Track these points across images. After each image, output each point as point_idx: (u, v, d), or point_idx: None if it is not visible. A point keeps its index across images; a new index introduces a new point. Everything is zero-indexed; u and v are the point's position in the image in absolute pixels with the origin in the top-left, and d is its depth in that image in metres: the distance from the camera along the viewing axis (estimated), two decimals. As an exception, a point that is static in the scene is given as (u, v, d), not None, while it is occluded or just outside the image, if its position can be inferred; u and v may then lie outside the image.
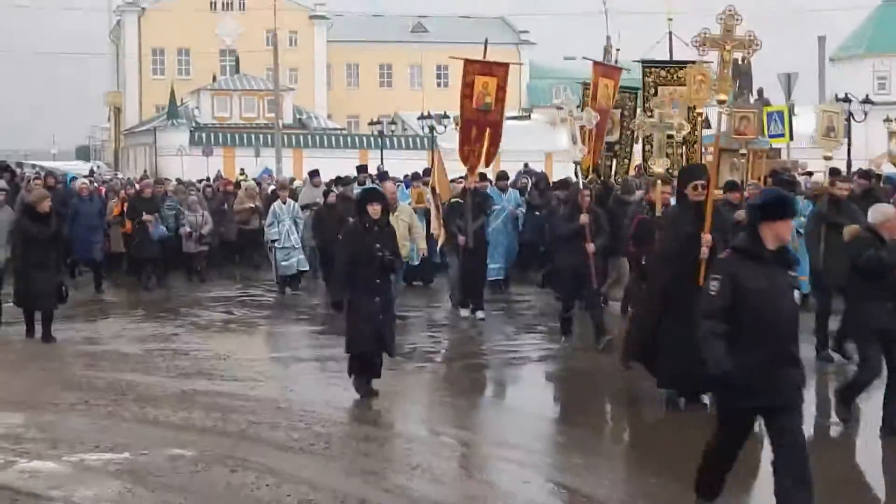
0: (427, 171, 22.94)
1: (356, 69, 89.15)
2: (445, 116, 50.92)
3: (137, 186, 24.37)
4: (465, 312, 17.15)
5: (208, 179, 33.18)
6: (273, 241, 20.65)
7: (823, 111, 17.68)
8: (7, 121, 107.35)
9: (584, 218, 14.27)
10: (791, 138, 25.73)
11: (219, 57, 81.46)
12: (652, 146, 15.59)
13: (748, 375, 7.12)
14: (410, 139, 64.93)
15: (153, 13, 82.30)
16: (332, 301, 11.50)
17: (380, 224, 11.37)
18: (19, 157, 66.76)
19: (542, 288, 19.69)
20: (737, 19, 11.14)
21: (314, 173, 23.71)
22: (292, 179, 31.83)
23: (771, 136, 24.94)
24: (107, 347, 14.97)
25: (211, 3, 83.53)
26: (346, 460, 9.31)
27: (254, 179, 34.25)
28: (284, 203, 21.03)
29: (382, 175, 25.24)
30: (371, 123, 58.85)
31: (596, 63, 19.34)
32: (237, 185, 27.95)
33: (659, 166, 12.98)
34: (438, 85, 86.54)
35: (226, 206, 24.45)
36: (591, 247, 14.26)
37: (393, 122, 64.75)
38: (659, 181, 12.78)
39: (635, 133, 17.87)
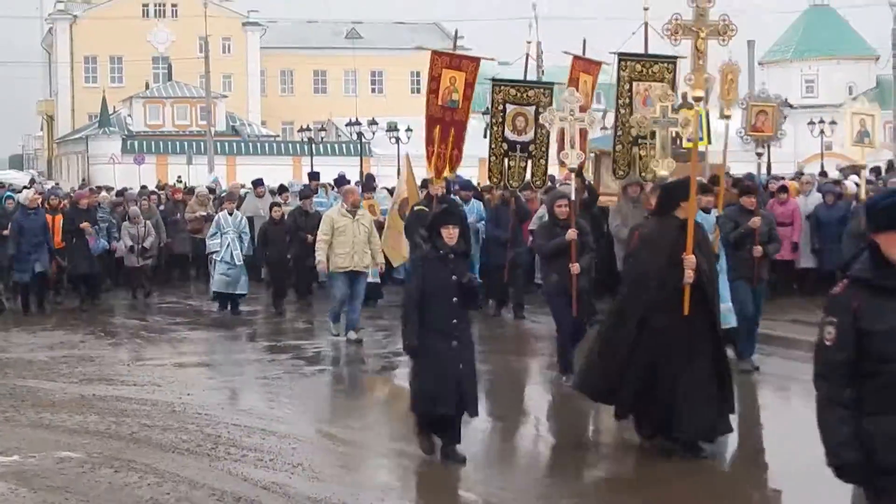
0: (370, 180, 22.90)
1: (290, 75, 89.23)
2: (374, 122, 51.23)
3: (73, 196, 22.44)
4: None
5: (144, 188, 31.71)
6: (212, 253, 19.15)
7: (854, 114, 16.37)
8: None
9: (571, 233, 12.24)
10: (710, 142, 26.32)
11: (151, 64, 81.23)
12: (644, 148, 15.28)
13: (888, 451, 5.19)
14: (343, 145, 65.31)
15: (85, 21, 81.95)
16: (406, 345, 9.35)
17: (456, 251, 9.29)
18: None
19: None
20: (710, 1, 10.15)
21: (258, 182, 22.74)
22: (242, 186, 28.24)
23: (689, 140, 25.51)
24: (12, 356, 15.12)
25: (143, 10, 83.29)
26: (231, 460, 9.59)
27: (207, 187, 31.21)
28: (231, 214, 19.35)
29: (341, 179, 23.15)
30: (301, 130, 59.01)
31: (576, 57, 18.36)
32: (190, 191, 26.68)
33: (664, 168, 11.41)
34: (373, 91, 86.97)
35: (178, 216, 23.31)
36: (575, 267, 12.24)
37: (322, 129, 64.79)
38: None
39: (626, 131, 16.17)
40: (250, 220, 20.65)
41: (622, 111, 16.09)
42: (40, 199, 20.16)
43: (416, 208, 16.00)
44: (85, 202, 20.50)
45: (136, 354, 15.10)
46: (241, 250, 18.89)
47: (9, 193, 22.32)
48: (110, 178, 51.63)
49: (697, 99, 10.59)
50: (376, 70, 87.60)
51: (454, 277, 9.12)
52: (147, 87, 76.25)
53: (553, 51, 62.68)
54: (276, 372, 14.04)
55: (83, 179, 56.26)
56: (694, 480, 9.06)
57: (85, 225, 19.47)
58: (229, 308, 18.87)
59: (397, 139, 50.11)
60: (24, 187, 34.05)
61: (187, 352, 15.85)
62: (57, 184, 50.50)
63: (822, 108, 75.47)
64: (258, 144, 69.55)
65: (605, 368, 9.74)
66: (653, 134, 13.92)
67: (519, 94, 16.98)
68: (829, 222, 18.50)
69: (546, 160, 18.34)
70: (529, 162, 17.25)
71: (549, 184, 19.07)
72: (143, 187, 31.99)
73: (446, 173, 16.67)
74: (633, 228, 11.44)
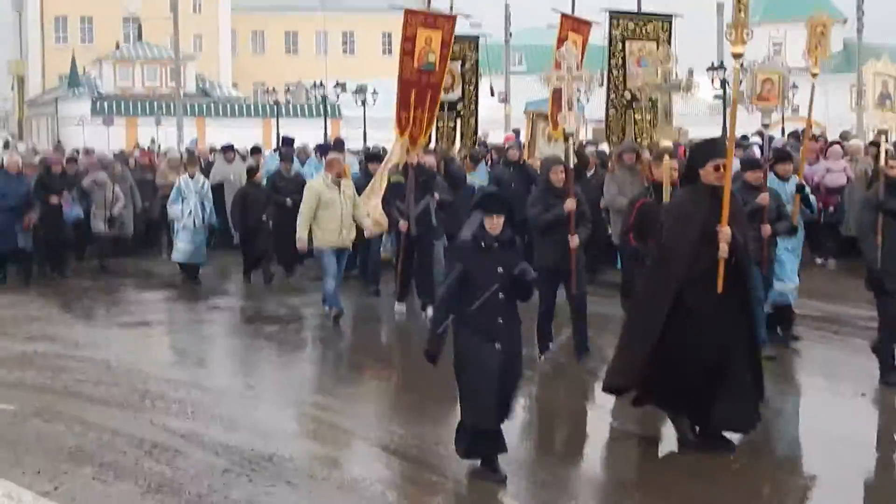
0: (338, 143, 21.83)
1: (262, 36, 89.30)
2: (338, 85, 51.75)
3: (46, 160, 20.47)
4: (399, 307, 15.09)
5: (121, 151, 30.65)
6: (174, 221, 18.30)
7: (876, 74, 15.16)
8: None
9: (570, 203, 11.56)
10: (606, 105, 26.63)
11: (122, 24, 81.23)
12: (639, 112, 14.19)
13: None
14: (313, 107, 65.67)
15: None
16: (426, 350, 8.26)
17: (501, 240, 8.14)
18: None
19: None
20: None
21: (228, 148, 21.90)
22: (212, 149, 27.35)
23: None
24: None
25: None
26: (155, 412, 10.29)
27: (187, 149, 30.23)
28: (192, 178, 18.39)
29: (338, 143, 21.70)
30: (267, 92, 59.44)
31: (565, 16, 17.10)
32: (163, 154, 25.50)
33: (667, 137, 11.03)
34: (344, 52, 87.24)
35: (151, 178, 22.11)
36: (574, 240, 11.59)
37: (288, 91, 65.01)
38: (667, 156, 10.40)
39: (620, 94, 15.28)
40: (220, 185, 20.35)
41: (615, 72, 15.21)
42: (21, 163, 18.46)
43: (392, 179, 15.18)
44: (58, 167, 19.28)
45: (83, 314, 15.71)
46: (204, 218, 18.20)
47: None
48: (80, 139, 51.93)
49: (737, 56, 9.29)
50: (347, 31, 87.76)
51: (500, 269, 8.06)
52: (117, 47, 76.34)
53: (526, 10, 63.05)
54: (215, 331, 14.82)
55: (58, 141, 56.33)
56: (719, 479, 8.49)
57: (53, 198, 18.17)
58: (192, 277, 18.20)
59: (363, 102, 50.55)
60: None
61: (135, 312, 16.22)
62: (34, 146, 50.54)
63: (790, 70, 76.18)
64: (228, 106, 69.81)
65: (633, 355, 8.95)
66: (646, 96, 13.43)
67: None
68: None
69: (476, 119, 17.77)
70: (458, 122, 16.50)
71: (480, 146, 19.23)
72: (121, 152, 30.73)
73: (422, 140, 15.59)
74: (633, 200, 11.03)
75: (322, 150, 21.39)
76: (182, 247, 18.04)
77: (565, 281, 11.82)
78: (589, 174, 17.12)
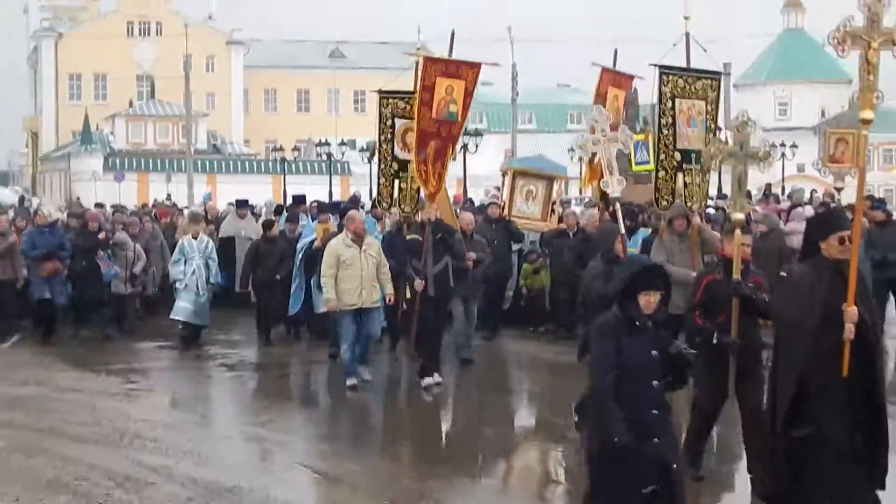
0: (337, 206, 22.00)
1: (274, 94, 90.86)
2: (343, 143, 52.83)
3: (83, 216, 20.26)
4: (428, 381, 13.99)
5: (130, 206, 31.30)
6: (176, 281, 17.70)
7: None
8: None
9: None
10: (656, 167, 27.61)
11: (136, 82, 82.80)
12: (689, 175, 13.31)
13: None
14: (323, 164, 66.79)
15: (70, 38, 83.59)
16: (617, 440, 6.87)
17: (655, 319, 7.20)
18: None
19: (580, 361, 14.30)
20: (884, 2, 8.15)
21: (242, 203, 21.36)
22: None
23: (637, 164, 26.91)
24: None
25: (128, 29, 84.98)
26: (131, 448, 11.07)
27: (196, 208, 29.35)
28: (195, 238, 17.87)
29: (354, 199, 20.77)
30: (275, 150, 60.58)
31: (605, 70, 16.67)
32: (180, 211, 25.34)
33: (739, 210, 9.78)
34: (356, 110, 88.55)
35: (171, 234, 21.40)
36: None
37: (296, 150, 65.89)
38: (738, 230, 9.62)
39: (670, 155, 14.04)
40: (230, 240, 20.17)
41: (664, 132, 14.09)
42: (57, 216, 18.40)
43: (408, 238, 14.64)
44: (94, 224, 18.85)
45: (74, 361, 16.43)
46: (208, 278, 17.68)
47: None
48: (92, 195, 53.05)
49: (866, 122, 8.31)
50: (359, 89, 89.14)
51: (654, 353, 7.07)
52: (130, 105, 77.81)
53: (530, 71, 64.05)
54: (198, 378, 15.57)
55: (77, 198, 57.12)
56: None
57: (101, 257, 18.15)
58: (195, 338, 17.60)
59: (369, 159, 51.58)
60: (12, 206, 35.02)
61: (126, 360, 16.76)
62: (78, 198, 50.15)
63: (794, 129, 77.32)
64: (238, 163, 71.08)
65: (774, 452, 8.07)
66: (697, 158, 12.87)
67: (409, 108, 15.20)
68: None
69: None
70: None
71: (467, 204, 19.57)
72: (142, 206, 31.18)
73: (439, 195, 14.99)
74: (700, 275, 10.19)
75: (321, 208, 19.84)
76: (183, 305, 17.47)
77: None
78: (571, 234, 17.62)
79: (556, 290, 17.95)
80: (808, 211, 19.56)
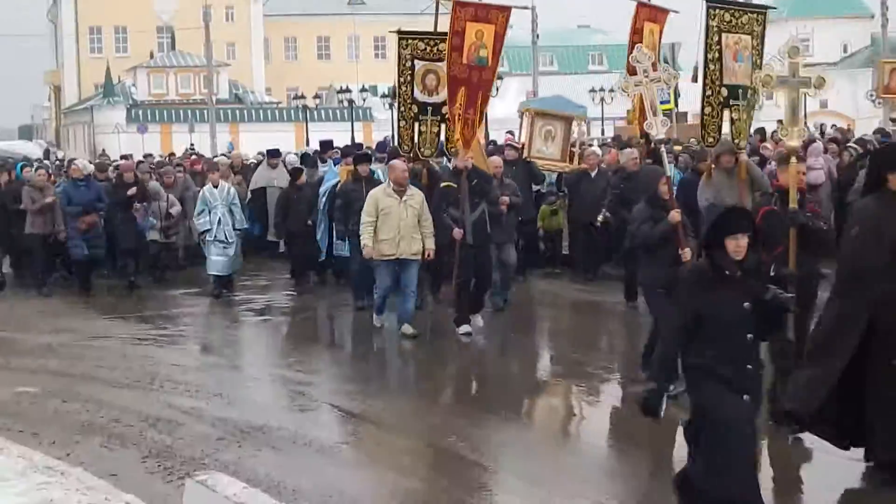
0: (359, 147, 22.00)
1: (294, 42, 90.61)
2: (364, 89, 52.69)
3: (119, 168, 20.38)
4: (465, 328, 13.75)
5: (156, 156, 32.11)
6: (204, 233, 17.60)
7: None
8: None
9: (675, 214, 10.65)
10: (676, 105, 27.58)
11: (156, 34, 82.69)
12: (737, 111, 12.86)
13: None
14: (345, 111, 66.77)
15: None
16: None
17: (746, 267, 6.73)
18: (-38, 139, 68.00)
19: (628, 304, 15.07)
20: None
21: (274, 152, 21.25)
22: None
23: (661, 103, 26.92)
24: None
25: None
26: (162, 392, 11.37)
27: (223, 155, 29.28)
28: (216, 187, 17.77)
29: (393, 152, 18.15)
30: (297, 98, 60.57)
31: (640, 4, 15.92)
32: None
33: (795, 138, 9.55)
34: (376, 56, 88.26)
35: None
36: (687, 253, 10.45)
37: (317, 97, 65.68)
38: (794, 159, 9.41)
39: (717, 90, 13.15)
40: (262, 190, 20.20)
41: (711, 66, 13.41)
42: (92, 169, 18.98)
43: (442, 185, 14.15)
44: (130, 175, 18.83)
45: (104, 310, 16.73)
46: (234, 224, 17.70)
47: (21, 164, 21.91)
48: (115, 147, 53.33)
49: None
50: (379, 35, 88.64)
51: (746, 305, 6.65)
52: (151, 56, 77.85)
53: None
54: (226, 323, 15.86)
55: (102, 150, 57.21)
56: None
57: (137, 207, 18.26)
58: (224, 290, 17.57)
59: (391, 105, 51.58)
60: (38, 159, 35.10)
61: (155, 307, 17.09)
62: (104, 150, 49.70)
63: (816, 65, 76.73)
64: (261, 112, 71.10)
65: (816, 382, 7.98)
66: (744, 94, 12.72)
67: (429, 49, 14.98)
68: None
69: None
70: (443, 126, 15.06)
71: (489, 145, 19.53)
72: (152, 155, 31.37)
73: (473, 142, 14.59)
74: (758, 205, 9.86)
75: (344, 153, 19.92)
76: (215, 259, 17.50)
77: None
78: (593, 174, 17.58)
79: (575, 230, 18.07)
80: (819, 147, 19.48)
